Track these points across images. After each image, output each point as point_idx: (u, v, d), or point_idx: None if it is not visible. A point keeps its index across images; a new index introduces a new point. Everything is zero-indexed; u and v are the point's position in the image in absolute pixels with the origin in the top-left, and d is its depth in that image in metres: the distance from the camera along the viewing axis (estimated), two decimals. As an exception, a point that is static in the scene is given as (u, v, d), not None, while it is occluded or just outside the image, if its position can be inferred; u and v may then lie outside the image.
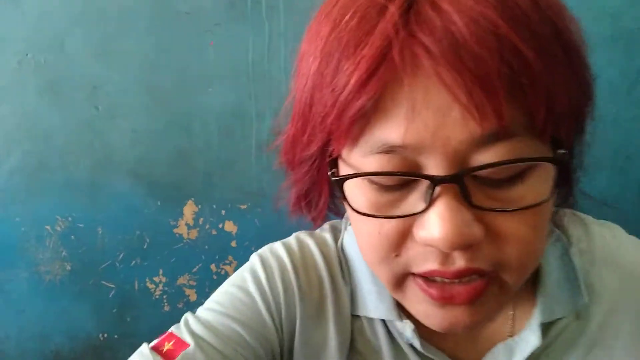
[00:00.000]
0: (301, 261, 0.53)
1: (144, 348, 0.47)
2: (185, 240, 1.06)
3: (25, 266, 1.14)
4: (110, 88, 1.01)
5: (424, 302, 0.39)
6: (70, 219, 1.09)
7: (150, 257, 1.07)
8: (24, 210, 1.11)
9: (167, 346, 0.47)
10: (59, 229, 1.10)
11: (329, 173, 0.40)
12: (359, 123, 0.36)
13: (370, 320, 0.50)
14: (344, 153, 0.39)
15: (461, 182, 0.35)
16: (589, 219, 0.54)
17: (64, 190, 1.07)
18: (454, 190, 0.35)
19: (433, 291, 0.38)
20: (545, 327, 0.48)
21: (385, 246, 0.39)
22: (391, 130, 0.35)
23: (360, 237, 0.42)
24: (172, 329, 0.49)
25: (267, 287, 0.51)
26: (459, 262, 0.37)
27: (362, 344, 0.51)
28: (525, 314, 0.50)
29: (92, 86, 1.01)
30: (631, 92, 0.90)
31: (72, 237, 1.09)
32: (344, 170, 0.40)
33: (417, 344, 0.48)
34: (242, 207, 1.01)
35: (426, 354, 0.48)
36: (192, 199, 1.02)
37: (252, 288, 0.51)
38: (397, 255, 0.39)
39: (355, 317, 0.51)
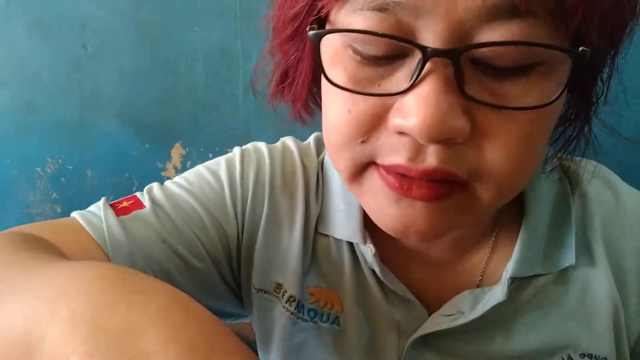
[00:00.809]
0: (280, 166, 0.50)
1: (102, 201, 0.46)
2: (173, 185, 1.06)
3: (16, 208, 1.15)
4: (99, 26, 1.00)
5: (380, 195, 0.35)
6: (60, 160, 1.09)
7: (138, 201, 1.08)
8: (15, 152, 1.12)
9: (124, 204, 0.46)
10: (49, 170, 1.10)
11: (308, 29, 0.35)
12: None
13: (338, 241, 0.48)
14: (333, 13, 0.34)
15: (456, 61, 0.30)
16: (617, 178, 0.48)
17: (54, 131, 1.08)
18: (445, 72, 0.30)
19: (392, 178, 0.34)
20: (521, 283, 0.44)
21: (353, 129, 0.34)
22: None
23: (327, 118, 0.37)
24: (137, 192, 0.48)
25: (239, 179, 0.48)
26: (430, 159, 0.32)
27: (326, 264, 0.49)
28: (503, 263, 0.45)
29: (81, 24, 1.00)
30: None
31: (62, 179, 1.10)
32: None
33: (377, 269, 0.45)
34: (229, 150, 1.01)
35: (385, 282, 0.46)
36: (180, 141, 1.02)
37: (224, 176, 0.48)
38: (363, 142, 0.34)
39: (323, 236, 0.49)
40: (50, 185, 1.11)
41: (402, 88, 0.31)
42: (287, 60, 0.42)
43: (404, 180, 0.33)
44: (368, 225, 0.45)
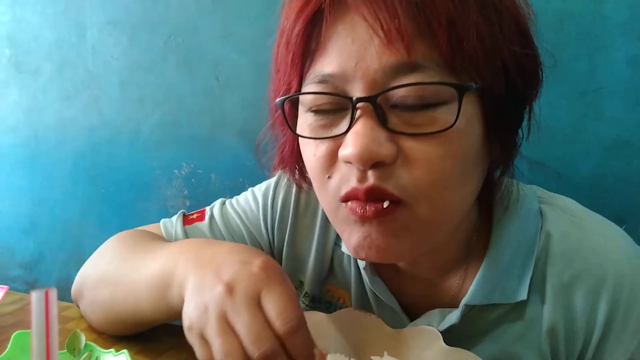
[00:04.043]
0: (306, 192, 0.60)
1: (179, 212, 0.63)
2: (276, 189, 1.29)
3: (156, 200, 1.43)
4: (228, 64, 1.26)
5: (350, 223, 0.43)
6: (192, 165, 1.36)
7: (249, 201, 1.33)
8: (159, 157, 1.40)
9: (193, 216, 0.63)
10: (183, 172, 1.38)
11: (277, 100, 0.46)
12: (306, 60, 0.43)
13: (349, 255, 0.57)
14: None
15: (375, 103, 0.38)
16: (586, 215, 0.51)
17: (189, 143, 1.35)
18: (371, 113, 0.39)
19: (354, 205, 0.42)
20: (482, 309, 0.49)
21: (320, 167, 0.43)
22: (326, 63, 0.41)
23: (306, 165, 0.47)
24: (207, 207, 0.64)
25: (270, 204, 0.62)
26: (370, 179, 0.40)
27: (339, 271, 0.59)
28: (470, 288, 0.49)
29: (215, 62, 1.27)
30: None
31: (193, 180, 1.37)
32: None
33: (366, 279, 0.54)
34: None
35: (374, 290, 0.54)
36: (284, 155, 1.26)
37: (261, 202, 0.63)
38: (329, 177, 0.43)
39: (339, 247, 0.59)
40: (183, 184, 1.38)
41: (344, 129, 0.41)
42: (283, 136, 0.53)
43: (360, 205, 0.41)
44: None
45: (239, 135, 1.29)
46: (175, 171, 1.39)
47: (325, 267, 0.60)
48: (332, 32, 0.40)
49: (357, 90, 0.40)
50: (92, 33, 1.43)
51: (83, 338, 0.49)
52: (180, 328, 0.66)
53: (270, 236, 0.62)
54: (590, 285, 0.47)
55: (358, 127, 0.39)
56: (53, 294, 0.30)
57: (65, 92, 1.50)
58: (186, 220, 0.63)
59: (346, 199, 0.43)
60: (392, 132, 0.40)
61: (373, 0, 0.38)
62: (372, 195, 0.40)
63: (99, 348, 0.48)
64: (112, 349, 0.46)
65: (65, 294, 1.73)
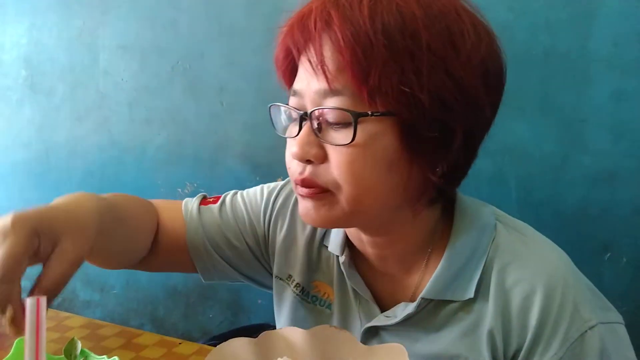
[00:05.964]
0: None
1: (201, 194, 0.73)
2: (275, 210, 1.34)
3: None
4: (232, 89, 1.32)
5: (300, 199, 0.56)
6: (195, 185, 1.41)
7: (248, 220, 1.37)
8: (164, 176, 1.45)
9: (210, 199, 0.73)
10: (187, 191, 1.43)
11: (269, 106, 0.59)
12: (290, 78, 0.57)
13: (334, 254, 0.66)
14: None
15: (310, 116, 0.52)
16: (532, 237, 0.59)
17: (193, 163, 1.40)
18: (310, 124, 0.52)
19: (298, 188, 0.54)
20: (438, 304, 0.57)
21: (288, 160, 0.56)
22: (296, 82, 0.54)
23: None
24: (224, 194, 0.74)
25: (272, 201, 0.72)
26: (306, 173, 0.52)
27: (326, 267, 0.67)
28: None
29: (220, 87, 1.34)
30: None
31: None
32: None
33: (345, 272, 0.62)
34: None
35: (351, 283, 0.63)
36: (281, 177, 1.30)
37: (266, 196, 0.72)
38: (289, 168, 0.56)
39: (325, 247, 0.67)
40: (186, 203, 1.45)
41: (295, 134, 0.53)
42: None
43: (300, 189, 0.54)
44: (351, 245, 0.64)
45: (241, 157, 1.34)
46: (179, 190, 1.44)
47: (312, 264, 0.68)
48: (300, 62, 0.55)
49: (307, 105, 0.53)
50: (104, 57, 1.50)
51: (79, 345, 0.53)
52: (171, 341, 0.71)
53: (265, 227, 0.71)
54: (525, 293, 0.54)
55: (301, 133, 0.52)
56: (43, 300, 0.40)
57: (77, 112, 1.57)
58: (203, 201, 0.73)
59: (294, 184, 0.56)
60: (322, 140, 0.52)
61: (309, 51, 0.52)
62: (305, 184, 0.53)
63: (93, 354, 0.52)
64: (104, 356, 0.51)
65: (69, 305, 1.77)
